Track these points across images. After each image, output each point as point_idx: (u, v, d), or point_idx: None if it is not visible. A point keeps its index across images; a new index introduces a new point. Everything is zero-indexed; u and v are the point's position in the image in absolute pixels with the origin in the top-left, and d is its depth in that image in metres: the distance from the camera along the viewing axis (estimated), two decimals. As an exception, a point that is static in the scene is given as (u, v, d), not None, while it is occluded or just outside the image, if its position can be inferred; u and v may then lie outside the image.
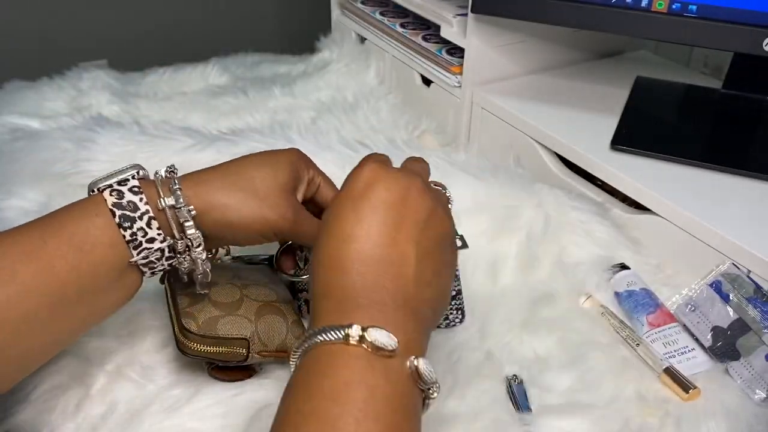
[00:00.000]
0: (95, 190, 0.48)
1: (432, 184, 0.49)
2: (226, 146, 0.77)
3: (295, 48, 1.25)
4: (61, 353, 0.55)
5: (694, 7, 0.72)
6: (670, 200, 0.68)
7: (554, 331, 0.62)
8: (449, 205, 0.49)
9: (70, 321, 0.48)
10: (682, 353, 0.61)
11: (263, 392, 0.55)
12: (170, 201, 0.48)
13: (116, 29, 1.76)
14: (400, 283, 0.42)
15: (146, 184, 0.49)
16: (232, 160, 0.53)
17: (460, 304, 0.62)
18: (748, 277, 0.62)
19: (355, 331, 0.38)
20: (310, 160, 0.56)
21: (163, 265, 0.49)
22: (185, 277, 0.52)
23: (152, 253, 0.48)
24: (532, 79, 0.94)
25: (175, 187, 0.48)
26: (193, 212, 0.48)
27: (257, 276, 0.59)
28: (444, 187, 0.51)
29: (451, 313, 0.62)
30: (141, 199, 0.47)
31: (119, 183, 0.48)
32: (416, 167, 0.49)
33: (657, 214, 0.70)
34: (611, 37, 1.00)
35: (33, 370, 0.49)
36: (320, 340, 0.39)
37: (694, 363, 0.60)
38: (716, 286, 0.62)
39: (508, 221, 0.71)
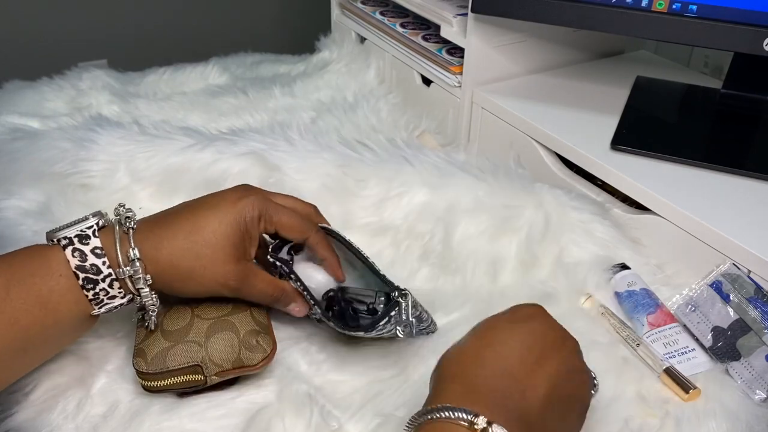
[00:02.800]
0: (54, 240, 0.50)
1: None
2: (226, 146, 0.77)
3: (295, 48, 1.25)
4: (61, 353, 0.55)
5: (694, 7, 0.72)
6: (670, 200, 0.68)
7: (554, 331, 0.62)
8: (592, 392, 0.49)
9: (30, 361, 0.51)
10: (683, 353, 0.61)
11: (262, 393, 0.55)
12: (129, 271, 0.50)
13: (116, 29, 1.76)
14: (525, 404, 0.43)
15: (106, 240, 0.50)
16: (184, 210, 0.54)
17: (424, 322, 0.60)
18: (749, 277, 0.61)
19: (481, 421, 0.39)
20: (266, 208, 0.55)
21: (118, 309, 0.52)
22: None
23: (113, 307, 0.51)
24: (532, 79, 0.94)
25: (133, 253, 0.50)
26: (150, 281, 0.51)
27: None
28: (596, 380, 0.51)
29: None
30: (104, 263, 0.49)
31: (81, 240, 0.49)
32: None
33: (657, 214, 0.70)
34: (611, 37, 1.00)
35: None
36: (445, 416, 0.40)
37: (695, 363, 0.60)
38: (716, 286, 0.62)
39: (508, 221, 0.71)
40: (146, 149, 0.76)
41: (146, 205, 0.74)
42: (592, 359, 0.59)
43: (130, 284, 0.51)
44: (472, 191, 0.73)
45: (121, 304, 0.51)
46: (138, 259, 0.50)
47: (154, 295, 0.52)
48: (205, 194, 0.56)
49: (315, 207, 0.61)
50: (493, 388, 0.42)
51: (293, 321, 0.62)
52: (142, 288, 0.51)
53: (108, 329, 0.59)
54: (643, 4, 0.74)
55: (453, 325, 0.63)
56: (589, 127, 0.81)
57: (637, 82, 0.91)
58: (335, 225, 0.63)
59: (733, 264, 0.63)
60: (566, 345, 0.47)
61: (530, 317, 0.47)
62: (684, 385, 0.57)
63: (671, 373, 0.58)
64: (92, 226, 0.50)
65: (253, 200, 0.54)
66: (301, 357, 0.58)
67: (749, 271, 0.62)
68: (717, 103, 0.84)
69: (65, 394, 0.54)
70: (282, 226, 0.56)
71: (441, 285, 0.69)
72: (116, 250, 0.50)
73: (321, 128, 0.94)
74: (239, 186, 0.57)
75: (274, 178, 0.74)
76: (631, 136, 0.78)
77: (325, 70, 1.10)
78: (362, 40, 1.13)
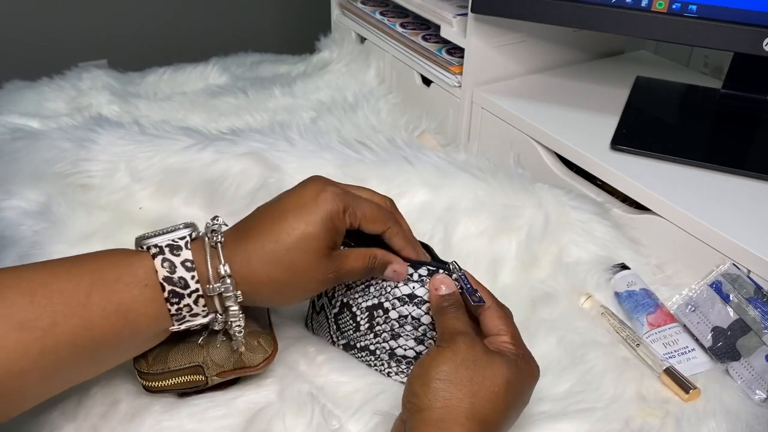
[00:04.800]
0: (143, 246, 0.48)
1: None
2: (226, 146, 0.76)
3: (295, 48, 1.25)
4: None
5: (694, 7, 0.72)
6: (670, 200, 0.68)
7: (554, 331, 0.62)
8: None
9: (95, 368, 0.49)
10: (683, 353, 0.61)
11: (263, 393, 0.55)
12: (219, 287, 0.48)
13: (116, 29, 1.76)
14: None
15: (197, 254, 0.48)
16: (268, 219, 0.50)
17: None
18: (749, 277, 0.61)
19: None
20: (349, 202, 0.52)
21: (198, 326, 0.50)
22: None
23: (192, 326, 0.49)
24: (532, 79, 0.94)
25: (224, 269, 0.48)
26: (240, 298, 0.49)
27: None
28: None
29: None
30: (193, 277, 0.47)
31: (172, 251, 0.47)
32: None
33: (657, 214, 0.70)
34: (611, 37, 1.00)
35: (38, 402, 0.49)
36: None
37: (695, 363, 0.60)
38: (716, 287, 0.62)
39: (508, 221, 0.71)
40: (146, 149, 0.76)
41: (146, 205, 0.74)
42: (592, 359, 0.59)
43: (217, 302, 0.48)
44: (472, 191, 0.73)
45: (201, 324, 0.49)
46: (229, 275, 0.48)
47: (241, 315, 0.50)
48: (281, 194, 0.53)
49: (391, 199, 0.58)
50: None
51: (294, 321, 0.62)
52: (231, 306, 0.49)
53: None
54: (643, 4, 0.74)
55: (453, 325, 0.62)
56: (589, 127, 0.81)
57: (637, 82, 0.91)
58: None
59: (733, 264, 0.63)
60: (529, 393, 0.50)
61: (517, 385, 0.48)
62: (684, 385, 0.57)
63: (671, 373, 0.58)
64: (185, 237, 0.48)
65: (334, 193, 0.51)
66: (302, 357, 0.58)
67: (749, 271, 0.62)
68: (717, 103, 0.85)
69: (65, 394, 0.54)
70: (365, 218, 0.53)
71: (441, 285, 0.69)
72: (207, 265, 0.47)
73: (321, 128, 0.94)
74: (313, 179, 0.53)
75: (274, 178, 0.74)
76: (631, 136, 0.78)
77: (325, 70, 1.10)
78: (362, 40, 1.13)
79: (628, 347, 0.61)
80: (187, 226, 0.50)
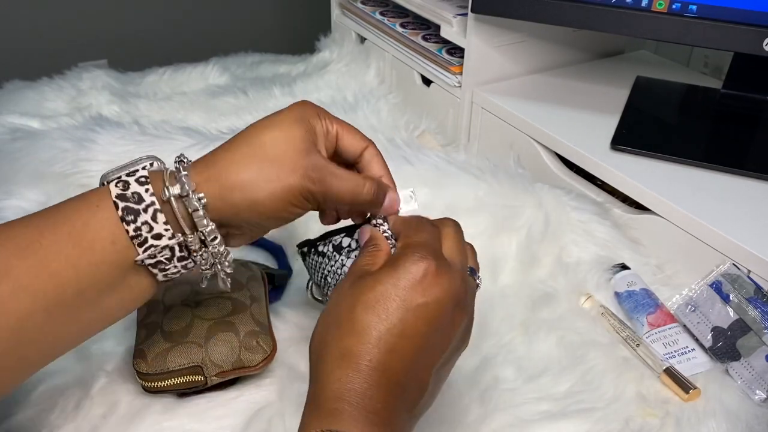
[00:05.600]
0: (105, 183, 0.44)
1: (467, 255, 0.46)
2: (226, 146, 0.76)
3: (295, 48, 1.25)
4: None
5: (694, 7, 0.72)
6: (670, 200, 0.68)
7: (554, 331, 0.62)
8: (477, 289, 0.47)
9: (69, 325, 0.43)
10: (683, 353, 0.61)
11: (262, 393, 0.55)
12: (175, 190, 0.42)
13: (116, 29, 1.76)
14: (406, 407, 0.41)
15: (156, 174, 0.44)
16: (239, 132, 0.47)
17: None
18: (749, 277, 0.61)
19: None
20: (322, 110, 0.49)
21: (176, 267, 0.45)
22: (205, 282, 0.48)
23: (159, 252, 0.43)
24: (532, 79, 0.94)
25: (181, 175, 0.43)
26: (204, 200, 0.43)
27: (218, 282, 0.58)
28: (475, 270, 0.48)
29: None
30: (147, 190, 0.42)
31: (128, 174, 0.43)
32: (459, 252, 0.46)
33: (657, 214, 0.70)
34: (611, 37, 1.00)
35: (33, 374, 0.45)
36: None
37: (695, 363, 0.60)
38: (716, 287, 0.62)
39: (508, 221, 0.71)
40: (146, 149, 0.76)
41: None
42: (592, 359, 0.59)
43: (182, 218, 0.43)
44: (472, 191, 0.73)
45: (170, 249, 0.43)
46: (185, 174, 0.43)
47: (212, 225, 0.43)
48: None
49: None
50: (371, 398, 0.39)
51: (294, 321, 0.62)
52: (198, 211, 0.42)
53: (108, 329, 0.58)
54: (643, 4, 0.74)
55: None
56: (589, 127, 0.81)
57: (637, 82, 0.91)
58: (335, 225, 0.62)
59: (733, 264, 0.63)
60: (456, 315, 0.42)
61: (423, 297, 0.41)
62: (684, 385, 0.57)
63: (671, 373, 0.58)
64: (144, 163, 0.44)
65: (306, 102, 0.49)
66: (302, 357, 0.58)
67: (749, 271, 0.62)
68: (717, 103, 0.84)
69: (65, 394, 0.54)
70: (344, 128, 0.49)
71: (441, 285, 0.69)
72: (164, 178, 0.43)
73: (321, 128, 0.94)
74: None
75: (274, 178, 0.74)
76: (631, 136, 0.78)
77: (325, 70, 1.10)
78: (362, 40, 1.13)
79: (628, 347, 0.61)
80: (149, 158, 0.45)
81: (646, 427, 0.54)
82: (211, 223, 0.43)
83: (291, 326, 0.61)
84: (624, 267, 0.68)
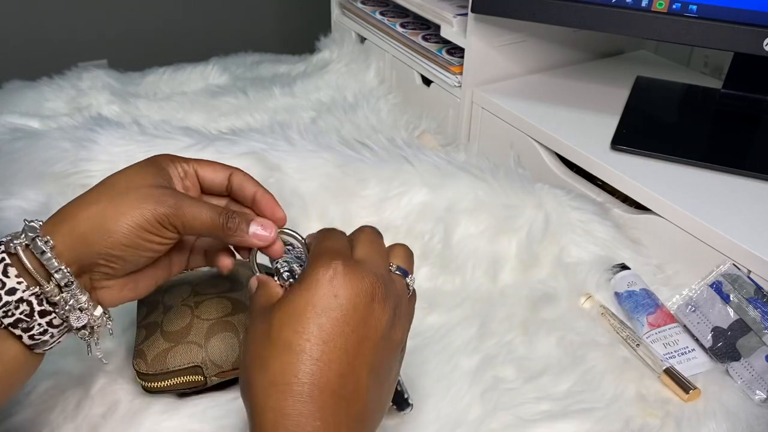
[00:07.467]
0: None
1: (394, 264, 0.44)
2: (226, 146, 0.77)
3: (295, 48, 1.25)
4: (61, 353, 0.55)
5: (694, 7, 0.72)
6: (670, 200, 0.68)
7: (554, 331, 0.62)
8: (408, 290, 0.44)
9: None
10: (683, 354, 0.61)
11: (263, 392, 0.55)
12: (21, 240, 0.41)
13: (116, 29, 1.76)
14: (350, 415, 0.39)
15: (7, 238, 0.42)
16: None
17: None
18: (749, 277, 0.61)
19: None
20: (177, 156, 0.48)
21: (41, 325, 0.42)
22: (93, 348, 0.45)
23: (15, 308, 0.40)
24: (532, 79, 0.94)
25: (25, 225, 0.41)
26: (50, 242, 0.41)
27: (218, 281, 0.58)
28: (407, 271, 0.45)
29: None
30: None
31: None
32: (374, 253, 0.43)
33: (657, 214, 0.70)
34: (611, 37, 1.00)
35: None
36: None
37: (695, 363, 0.60)
38: (716, 287, 0.62)
39: (508, 221, 0.71)
40: (146, 149, 0.76)
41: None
42: (592, 359, 0.59)
43: (29, 264, 0.40)
44: (472, 191, 0.73)
45: (27, 303, 0.41)
46: (29, 223, 0.41)
47: (66, 269, 0.41)
48: None
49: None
50: (310, 414, 0.37)
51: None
52: (46, 253, 0.40)
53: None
54: (643, 4, 0.74)
55: (452, 324, 0.63)
56: (589, 127, 0.81)
57: (637, 82, 0.91)
58: (335, 225, 0.62)
59: (733, 264, 0.63)
60: (375, 308, 0.40)
61: (333, 299, 0.39)
62: (684, 385, 0.57)
63: (671, 373, 0.58)
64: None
65: (162, 154, 0.48)
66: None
67: (749, 272, 0.62)
68: (717, 103, 0.84)
69: (65, 394, 0.54)
70: (200, 165, 0.48)
71: (441, 284, 0.69)
72: (12, 235, 0.41)
73: (321, 128, 0.94)
74: None
75: (274, 178, 0.74)
76: (631, 136, 0.78)
77: (325, 70, 1.10)
78: (362, 40, 1.13)
79: (628, 347, 0.61)
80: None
81: (646, 428, 0.54)
82: (61, 265, 0.41)
83: (291, 326, 0.61)
84: (624, 267, 0.68)
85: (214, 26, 1.87)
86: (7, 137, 0.81)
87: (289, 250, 0.47)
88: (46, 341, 0.43)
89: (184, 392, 0.54)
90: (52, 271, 0.41)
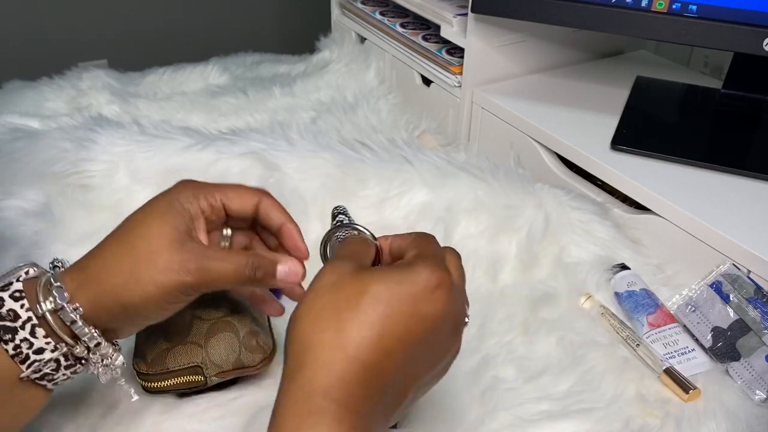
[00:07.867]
0: None
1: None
2: (226, 146, 0.76)
3: (295, 48, 1.25)
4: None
5: (694, 7, 0.72)
6: (670, 200, 0.68)
7: (554, 331, 0.62)
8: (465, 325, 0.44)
9: None
10: (683, 354, 0.61)
11: (263, 393, 0.55)
12: (49, 304, 0.42)
13: (116, 29, 1.76)
14: (383, 413, 0.39)
15: (30, 285, 0.43)
16: (114, 229, 0.46)
17: None
18: (748, 277, 0.61)
19: None
20: (201, 186, 0.48)
21: (65, 375, 0.44)
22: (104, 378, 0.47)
23: (44, 365, 0.42)
24: (532, 79, 0.94)
25: (54, 286, 0.42)
26: (80, 311, 0.42)
27: None
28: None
29: None
30: (22, 306, 0.41)
31: (2, 288, 0.42)
32: (462, 279, 0.43)
33: (657, 214, 0.70)
34: (611, 37, 1.00)
35: None
36: None
37: (695, 363, 0.60)
38: (716, 287, 0.62)
39: (508, 221, 0.71)
40: (146, 149, 0.76)
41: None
42: (592, 359, 0.59)
43: (56, 326, 0.42)
44: (472, 191, 0.73)
45: (55, 361, 0.42)
46: (58, 286, 0.42)
47: (95, 331, 0.43)
48: None
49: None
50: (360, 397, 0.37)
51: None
52: (76, 323, 0.42)
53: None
54: (643, 4, 0.74)
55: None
56: (589, 127, 0.81)
57: (637, 82, 0.91)
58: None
59: (733, 264, 0.63)
60: (458, 334, 0.41)
61: (433, 305, 0.39)
62: (684, 385, 0.57)
63: (671, 373, 0.58)
64: (19, 272, 0.43)
65: (184, 183, 0.47)
66: (301, 357, 0.58)
67: (749, 272, 0.62)
68: (717, 103, 0.84)
69: (65, 394, 0.54)
70: (227, 195, 0.48)
71: (441, 285, 0.69)
72: (37, 291, 0.42)
73: (321, 128, 0.94)
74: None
75: (274, 178, 0.74)
76: (631, 136, 0.78)
77: (325, 70, 1.10)
78: (362, 40, 1.13)
79: (628, 347, 0.61)
80: (28, 264, 0.44)
81: (646, 428, 0.54)
82: (92, 330, 0.43)
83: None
84: (624, 267, 0.68)
85: (214, 26, 1.87)
86: (7, 137, 0.81)
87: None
88: (65, 381, 0.45)
89: (184, 392, 0.54)
90: (82, 337, 0.43)
